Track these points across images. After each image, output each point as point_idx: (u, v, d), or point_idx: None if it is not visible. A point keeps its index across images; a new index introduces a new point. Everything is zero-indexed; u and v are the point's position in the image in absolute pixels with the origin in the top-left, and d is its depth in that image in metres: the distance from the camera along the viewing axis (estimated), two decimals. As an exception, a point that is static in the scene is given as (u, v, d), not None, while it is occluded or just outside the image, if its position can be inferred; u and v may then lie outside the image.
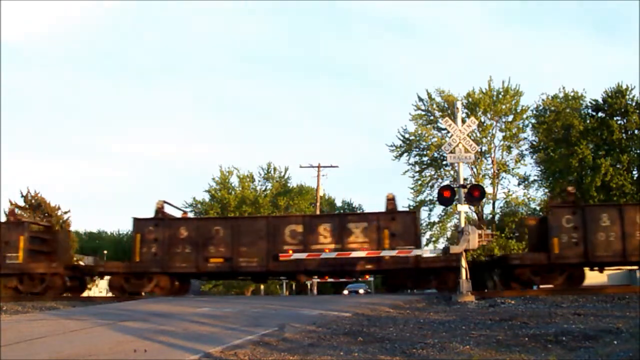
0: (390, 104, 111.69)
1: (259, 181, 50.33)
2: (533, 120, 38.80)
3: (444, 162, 38.01)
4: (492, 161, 39.39)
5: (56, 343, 8.30)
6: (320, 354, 6.95)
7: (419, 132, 40.60)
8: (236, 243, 19.24)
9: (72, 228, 41.93)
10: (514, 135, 39.22)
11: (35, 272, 19.90)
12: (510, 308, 12.52)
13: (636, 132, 35.11)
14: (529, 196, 39.49)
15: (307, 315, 11.24)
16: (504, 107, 38.87)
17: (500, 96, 38.99)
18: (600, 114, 35.90)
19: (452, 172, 36.97)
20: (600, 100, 36.09)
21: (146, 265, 19.40)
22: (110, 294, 22.39)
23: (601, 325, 8.78)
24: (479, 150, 37.70)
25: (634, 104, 35.00)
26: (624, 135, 34.98)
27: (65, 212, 42.15)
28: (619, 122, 35.03)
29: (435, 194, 37.40)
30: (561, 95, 38.06)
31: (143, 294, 19.78)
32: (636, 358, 6.35)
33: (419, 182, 40.49)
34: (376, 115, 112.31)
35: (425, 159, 40.60)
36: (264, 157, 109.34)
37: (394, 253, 17.97)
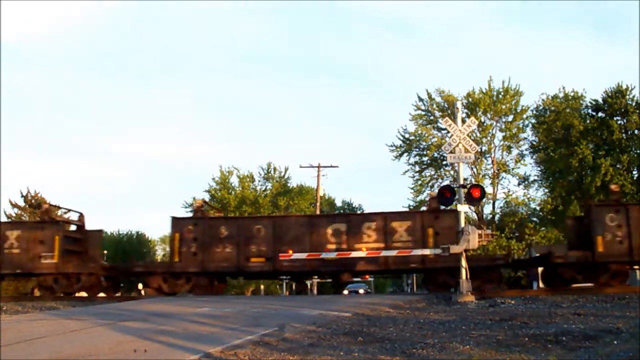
0: (390, 104, 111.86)
1: (259, 181, 50.38)
2: (533, 120, 38.80)
3: (444, 162, 38.00)
4: (492, 161, 39.39)
5: (56, 343, 8.30)
6: (320, 354, 6.94)
7: (419, 132, 40.62)
8: (278, 242, 19.08)
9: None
10: (514, 135, 39.22)
11: (72, 272, 19.70)
12: (510, 308, 12.52)
13: (636, 132, 35.11)
14: (529, 196, 39.53)
15: (307, 315, 11.24)
16: (504, 107, 38.87)
17: (500, 96, 38.98)
18: (600, 114, 35.90)
19: (452, 172, 36.99)
20: (600, 100, 36.09)
21: (185, 265, 19.20)
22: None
23: (601, 325, 8.77)
24: (479, 150, 37.69)
25: (634, 104, 34.99)
26: (624, 135, 34.98)
27: (65, 212, 42.13)
28: (619, 122, 35.02)
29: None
30: (561, 95, 38.07)
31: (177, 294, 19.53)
32: (636, 358, 6.34)
33: (419, 182, 40.49)
34: (376, 115, 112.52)
35: (425, 159, 40.61)
36: (264, 157, 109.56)
37: (394, 253, 17.98)
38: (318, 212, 42.09)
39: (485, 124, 38.81)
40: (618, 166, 33.84)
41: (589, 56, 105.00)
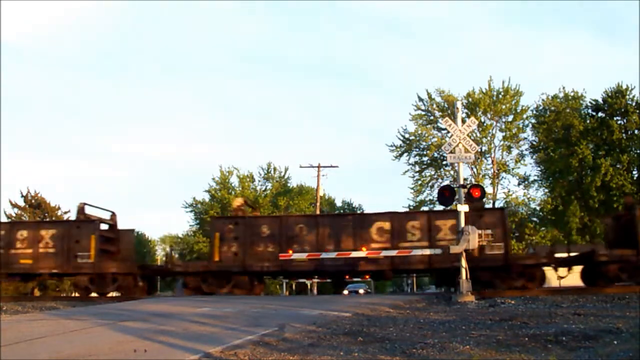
0: (390, 104, 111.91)
1: (259, 181, 50.43)
2: (533, 120, 38.83)
3: (444, 162, 38.03)
4: (492, 161, 39.41)
5: (56, 343, 8.29)
6: (320, 354, 6.94)
7: (419, 132, 40.67)
8: (321, 241, 18.99)
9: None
10: (514, 135, 39.24)
11: (108, 271, 19.53)
12: (510, 308, 12.52)
13: (636, 132, 35.13)
14: (529, 196, 39.55)
15: (307, 315, 11.23)
16: (504, 107, 38.89)
17: (500, 96, 39.01)
18: (600, 114, 35.92)
19: (452, 172, 36.99)
20: (600, 100, 36.11)
21: (226, 264, 19.10)
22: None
23: (601, 325, 8.77)
24: (479, 150, 37.72)
25: (634, 104, 35.01)
26: (624, 135, 35.00)
27: (66, 212, 42.18)
28: (619, 122, 35.04)
29: (435, 194, 37.41)
30: (561, 95, 38.10)
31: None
32: (636, 358, 6.34)
33: (419, 182, 40.53)
34: (376, 115, 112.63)
35: (425, 159, 40.64)
36: (264, 157, 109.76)
37: (394, 253, 17.99)
38: (318, 212, 42.08)
39: (485, 124, 38.84)
40: (618, 166, 33.86)
41: (589, 56, 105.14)
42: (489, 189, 37.82)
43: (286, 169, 51.40)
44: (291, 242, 19.11)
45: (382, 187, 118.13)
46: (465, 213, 18.78)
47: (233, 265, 19.10)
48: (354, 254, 17.93)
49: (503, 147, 39.68)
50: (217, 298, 17.54)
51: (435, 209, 19.34)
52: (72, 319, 11.19)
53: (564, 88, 38.48)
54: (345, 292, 38.36)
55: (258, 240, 19.25)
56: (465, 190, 15.54)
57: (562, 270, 18.73)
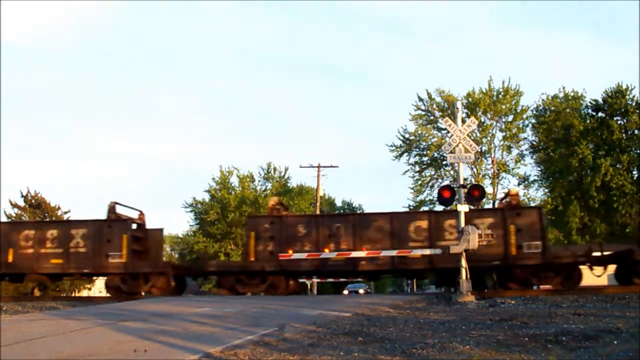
0: (390, 104, 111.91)
1: (259, 181, 50.41)
2: (533, 120, 38.83)
3: (444, 162, 38.02)
4: (492, 161, 39.41)
5: (56, 343, 8.29)
6: (320, 354, 6.94)
7: (419, 132, 40.66)
8: (358, 241, 18.83)
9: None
10: (514, 135, 39.24)
11: (141, 271, 19.43)
12: (510, 308, 12.52)
13: (636, 132, 35.13)
14: (529, 196, 39.54)
15: (307, 315, 11.23)
16: (504, 107, 38.89)
17: (500, 96, 39.01)
18: (600, 114, 35.92)
19: (452, 172, 36.98)
20: (600, 100, 36.11)
21: (262, 264, 18.90)
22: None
23: (601, 325, 8.77)
24: (479, 150, 37.71)
25: (634, 104, 35.01)
26: (624, 135, 35.00)
27: (66, 212, 42.18)
28: (619, 122, 35.04)
29: (435, 194, 37.41)
30: (561, 95, 38.10)
31: (249, 294, 19.28)
32: (636, 358, 6.34)
33: (419, 182, 40.52)
34: (376, 115, 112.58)
35: (425, 159, 40.63)
36: (264, 157, 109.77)
37: (394, 253, 17.98)
38: (318, 212, 42.06)
39: (485, 124, 38.84)
40: (618, 166, 33.86)
41: (589, 56, 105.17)
42: (489, 189, 37.87)
43: (286, 169, 51.46)
44: (328, 242, 18.94)
45: (382, 187, 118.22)
46: (502, 211, 18.81)
47: (268, 264, 18.84)
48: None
49: (503, 147, 39.70)
50: (217, 298, 17.53)
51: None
52: (72, 319, 11.18)
53: (564, 88, 38.52)
54: (345, 292, 38.43)
55: (294, 239, 19.05)
56: (465, 190, 15.54)
57: (598, 269, 18.71)
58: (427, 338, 8.00)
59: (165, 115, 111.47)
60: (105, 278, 20.35)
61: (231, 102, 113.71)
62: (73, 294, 35.87)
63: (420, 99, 40.67)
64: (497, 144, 39.77)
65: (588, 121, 35.99)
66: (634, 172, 34.76)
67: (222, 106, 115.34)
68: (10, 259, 19.72)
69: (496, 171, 39.27)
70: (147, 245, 20.64)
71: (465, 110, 36.81)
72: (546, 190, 38.97)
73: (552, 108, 37.66)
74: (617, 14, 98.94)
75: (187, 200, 48.90)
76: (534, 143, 38.93)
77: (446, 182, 36.55)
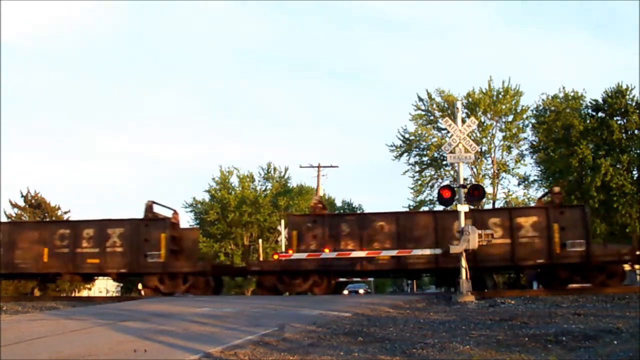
0: (390, 104, 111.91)
1: (259, 181, 50.35)
2: (533, 120, 38.78)
3: (444, 162, 37.97)
4: (492, 161, 39.38)
5: (56, 343, 8.29)
6: (320, 354, 6.94)
7: (419, 132, 40.60)
8: (403, 239, 18.72)
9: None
10: (514, 135, 39.20)
11: (180, 271, 19.26)
12: (510, 308, 12.52)
13: (636, 132, 35.08)
14: (529, 196, 39.51)
15: (307, 315, 11.23)
16: (504, 107, 38.85)
17: (500, 96, 38.97)
18: (600, 114, 35.87)
19: (452, 172, 36.97)
20: (600, 100, 36.06)
21: (305, 263, 18.67)
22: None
23: (601, 325, 8.77)
24: (479, 150, 37.68)
25: (634, 104, 34.96)
26: (624, 135, 34.95)
27: (66, 212, 42.19)
28: (619, 122, 34.99)
29: (435, 194, 37.37)
30: (561, 95, 38.03)
31: (287, 294, 19.18)
32: (636, 358, 6.34)
33: (419, 182, 40.46)
34: (376, 115, 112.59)
35: (425, 159, 40.58)
36: (264, 157, 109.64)
37: (394, 253, 17.97)
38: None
39: (485, 124, 38.79)
40: (618, 166, 33.81)
41: (588, 56, 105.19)
42: (489, 189, 37.82)
43: (286, 169, 51.40)
44: (372, 240, 18.83)
45: (382, 187, 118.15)
46: (545, 209, 18.75)
47: (311, 264, 18.60)
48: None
49: (503, 147, 39.65)
50: (217, 298, 17.53)
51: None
52: (72, 319, 11.19)
53: (564, 88, 38.40)
54: (345, 292, 38.44)
55: (338, 238, 18.96)
56: (465, 190, 15.55)
57: None
58: (427, 338, 8.00)
59: (165, 115, 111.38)
60: (143, 278, 20.14)
61: (231, 102, 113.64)
62: (73, 294, 35.85)
63: (420, 99, 40.66)
64: (497, 144, 39.75)
65: (588, 121, 35.94)
66: (634, 172, 34.70)
67: (222, 106, 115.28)
68: (45, 259, 19.57)
69: (496, 171, 39.25)
70: (182, 245, 20.51)
71: (465, 110, 36.78)
72: (546, 190, 38.93)
73: (552, 108, 37.61)
74: (617, 14, 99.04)
75: (187, 200, 48.89)
76: (534, 143, 38.89)
77: (446, 182, 36.58)
